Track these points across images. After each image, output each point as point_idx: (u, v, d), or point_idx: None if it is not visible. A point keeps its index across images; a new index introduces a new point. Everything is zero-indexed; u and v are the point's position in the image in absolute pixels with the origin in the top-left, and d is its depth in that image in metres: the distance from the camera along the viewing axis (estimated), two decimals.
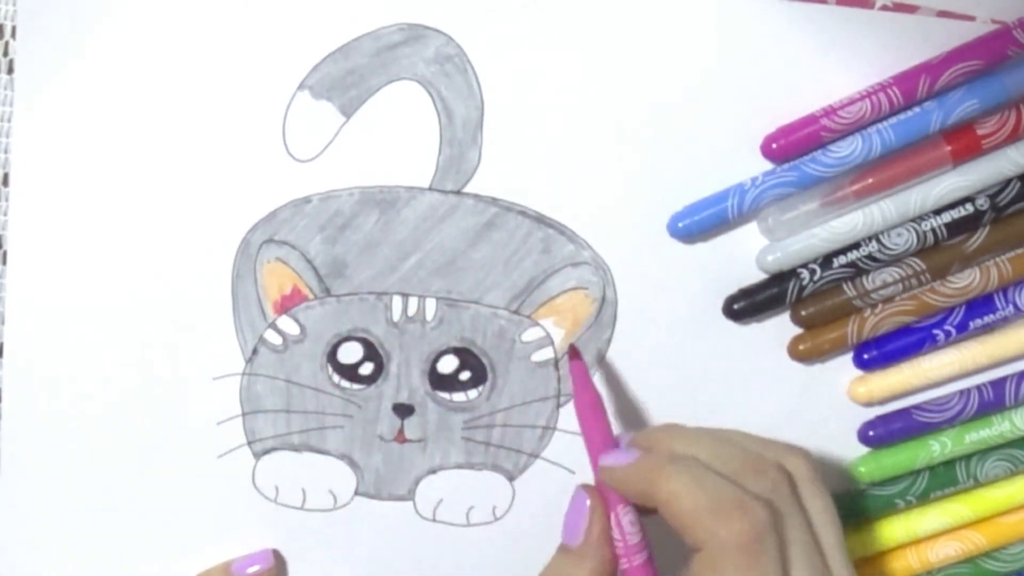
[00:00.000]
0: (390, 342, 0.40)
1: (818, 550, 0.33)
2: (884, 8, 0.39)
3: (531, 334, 0.40)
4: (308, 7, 0.39)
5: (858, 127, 0.39)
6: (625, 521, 0.34)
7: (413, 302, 0.40)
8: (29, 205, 0.39)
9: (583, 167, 0.40)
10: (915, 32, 0.39)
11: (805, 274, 0.40)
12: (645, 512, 0.35)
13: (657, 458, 0.34)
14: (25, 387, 0.39)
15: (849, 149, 0.39)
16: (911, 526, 0.42)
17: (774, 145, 0.39)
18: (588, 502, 0.35)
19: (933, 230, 0.39)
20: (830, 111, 0.39)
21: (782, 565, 0.32)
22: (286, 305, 0.40)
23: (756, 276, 0.40)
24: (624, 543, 0.34)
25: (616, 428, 0.38)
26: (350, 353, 0.40)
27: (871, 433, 0.41)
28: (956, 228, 0.39)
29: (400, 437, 0.40)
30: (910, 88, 0.38)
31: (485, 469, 0.41)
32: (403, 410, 0.40)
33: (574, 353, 0.39)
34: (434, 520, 0.41)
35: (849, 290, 0.40)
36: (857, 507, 0.41)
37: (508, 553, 0.41)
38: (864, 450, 0.42)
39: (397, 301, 0.40)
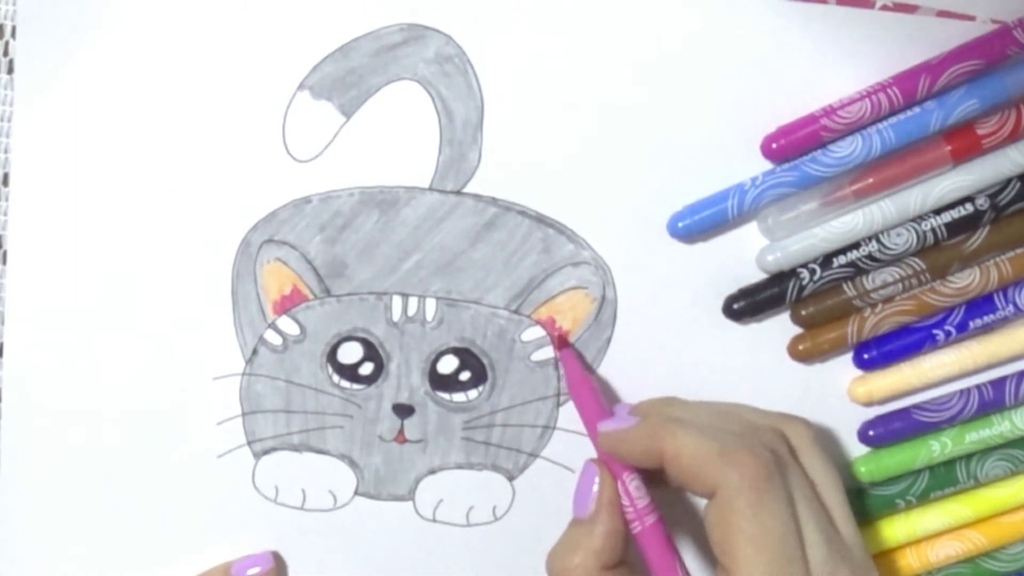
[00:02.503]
0: (390, 342, 0.40)
1: (821, 504, 0.34)
2: (884, 8, 0.39)
3: (531, 334, 0.40)
4: (308, 7, 0.39)
5: (858, 127, 0.39)
6: (632, 487, 0.36)
7: (413, 302, 0.40)
8: (29, 205, 0.39)
9: (583, 167, 0.40)
10: (915, 32, 0.39)
11: (805, 274, 0.39)
12: (651, 482, 0.36)
13: (658, 418, 0.35)
14: (25, 387, 0.39)
15: (849, 149, 0.39)
16: (911, 526, 0.42)
17: (774, 145, 0.39)
18: (597, 473, 0.36)
19: (933, 230, 0.39)
20: (830, 111, 0.39)
21: (790, 504, 0.33)
22: (286, 305, 0.40)
23: (756, 276, 0.40)
24: (634, 508, 0.35)
25: None
26: (350, 353, 0.40)
27: (871, 433, 0.41)
28: (956, 228, 0.39)
29: (400, 437, 0.40)
30: (910, 88, 0.38)
31: (485, 469, 0.41)
32: (403, 410, 0.40)
33: (563, 343, 0.40)
34: (434, 520, 0.41)
35: (849, 290, 0.40)
36: (857, 507, 0.41)
37: (508, 553, 0.41)
38: (864, 450, 0.42)
39: (397, 301, 0.40)
